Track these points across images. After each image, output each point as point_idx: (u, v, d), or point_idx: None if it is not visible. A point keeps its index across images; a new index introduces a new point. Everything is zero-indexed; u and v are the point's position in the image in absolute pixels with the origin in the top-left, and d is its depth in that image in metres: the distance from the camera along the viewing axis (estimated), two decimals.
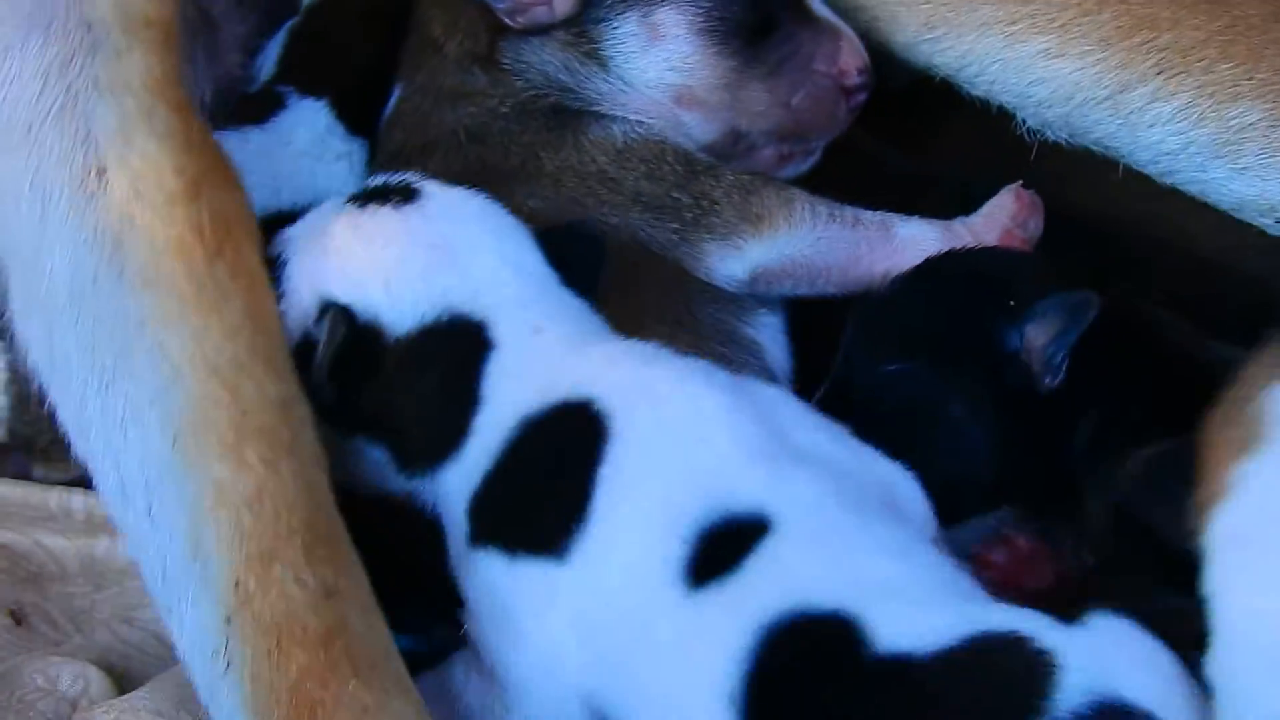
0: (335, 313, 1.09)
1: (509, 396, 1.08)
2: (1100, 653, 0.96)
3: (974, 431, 1.16)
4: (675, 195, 1.23)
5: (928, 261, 1.23)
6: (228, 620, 1.00)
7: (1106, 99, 1.24)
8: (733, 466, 1.04)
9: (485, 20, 1.28)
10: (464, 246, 1.13)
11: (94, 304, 1.07)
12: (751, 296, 1.26)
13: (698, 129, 1.27)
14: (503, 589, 1.04)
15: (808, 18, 1.28)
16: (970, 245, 1.25)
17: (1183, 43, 1.22)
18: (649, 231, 1.23)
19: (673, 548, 1.01)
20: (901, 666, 0.96)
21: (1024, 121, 1.27)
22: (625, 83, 1.27)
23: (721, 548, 1.01)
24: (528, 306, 1.11)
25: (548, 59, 1.27)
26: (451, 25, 1.30)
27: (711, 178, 1.24)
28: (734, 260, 1.24)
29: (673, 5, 1.26)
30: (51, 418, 1.17)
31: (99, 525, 1.25)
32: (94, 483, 1.09)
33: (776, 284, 1.26)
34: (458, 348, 1.10)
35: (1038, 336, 1.15)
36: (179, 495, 1.03)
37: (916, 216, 1.27)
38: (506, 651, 1.04)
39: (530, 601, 1.03)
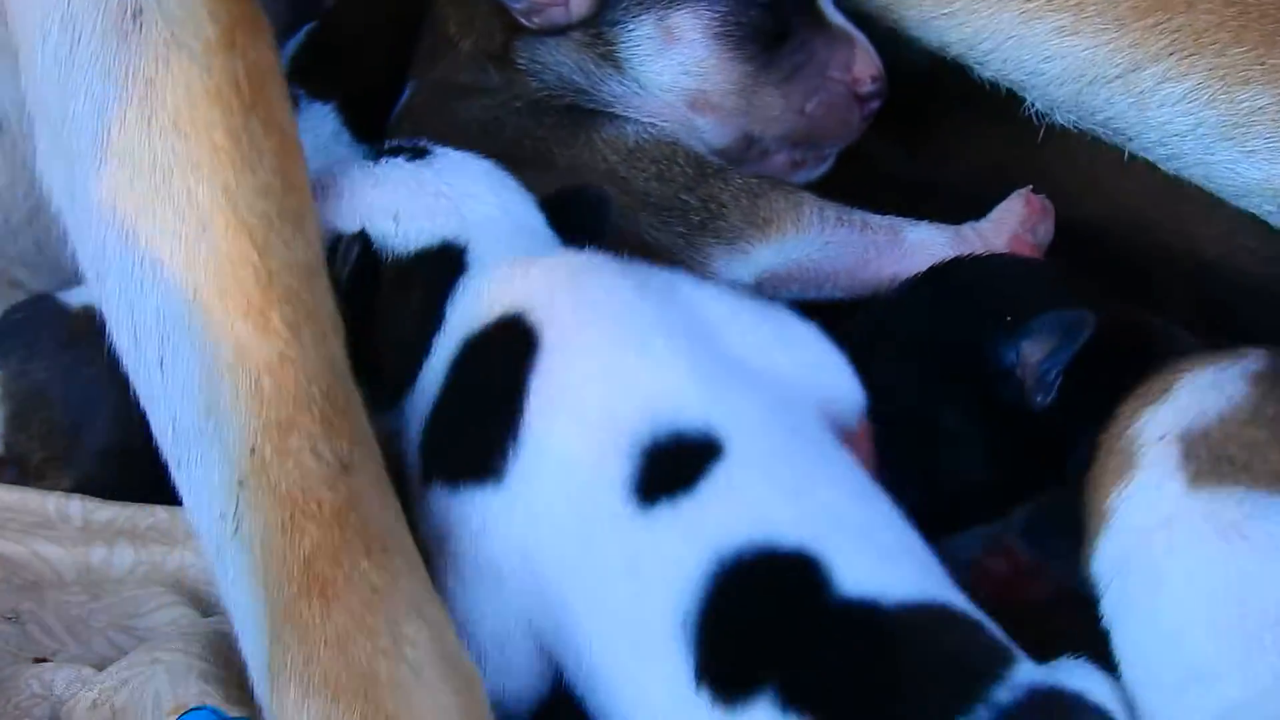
0: (353, 236, 1.11)
1: (461, 318, 1.09)
2: (1055, 669, 0.98)
3: (967, 441, 1.17)
4: (683, 197, 1.24)
5: (932, 269, 1.23)
6: (241, 484, 0.99)
7: (1118, 78, 1.26)
8: (672, 379, 1.04)
9: (501, 20, 1.28)
10: (466, 197, 1.15)
11: (120, 147, 1.05)
12: None
13: (711, 133, 1.28)
14: (449, 523, 1.04)
15: (822, 24, 1.29)
16: (977, 252, 1.26)
17: (1196, 25, 1.24)
18: (655, 234, 1.23)
19: (616, 463, 1.01)
20: (868, 613, 0.96)
21: (1033, 103, 1.29)
22: (640, 85, 1.27)
23: (671, 466, 1.01)
24: (514, 247, 1.13)
25: (562, 60, 1.27)
26: (467, 24, 1.30)
27: (720, 181, 1.24)
28: (740, 264, 1.24)
29: (689, 9, 1.26)
30: (45, 435, 1.19)
31: (96, 533, 1.22)
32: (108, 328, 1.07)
33: (783, 287, 1.26)
34: (438, 273, 1.11)
35: (1032, 353, 1.15)
36: (196, 350, 1.01)
37: (926, 221, 1.28)
38: (452, 586, 1.04)
39: (470, 529, 1.03)
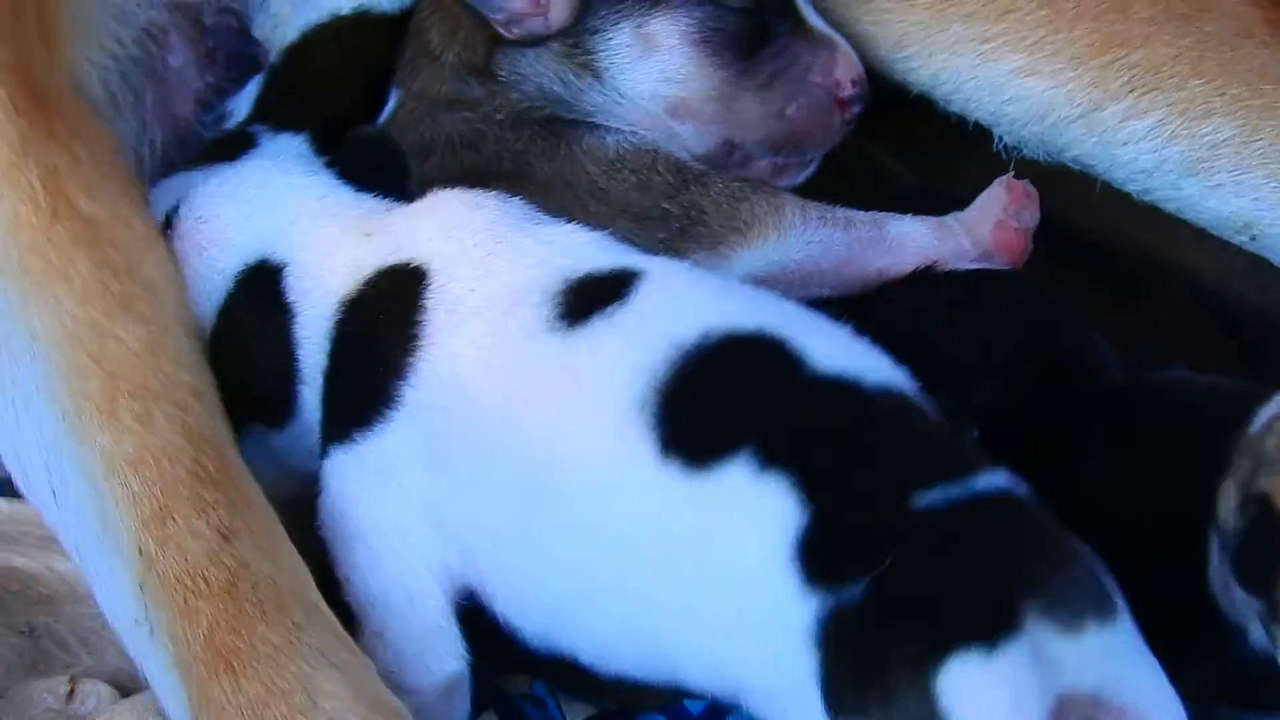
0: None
1: (315, 297, 1.12)
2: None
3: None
4: (664, 206, 1.23)
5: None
6: (141, 587, 1.00)
7: (1080, 117, 1.24)
8: (569, 240, 1.11)
9: (483, 32, 1.28)
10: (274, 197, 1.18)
11: None
12: None
13: (692, 140, 1.27)
14: (350, 489, 1.06)
15: (803, 29, 1.27)
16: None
17: (1154, 60, 1.21)
18: (635, 242, 1.22)
19: (532, 311, 1.05)
20: (845, 386, 0.98)
21: (1001, 138, 1.27)
22: (620, 94, 1.27)
23: (594, 291, 1.05)
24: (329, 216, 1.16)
25: (543, 70, 1.27)
26: (449, 35, 1.30)
27: (700, 187, 1.23)
28: (722, 270, 1.22)
29: (667, 16, 1.25)
30: None
31: None
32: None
33: (770, 288, 1.23)
34: (259, 282, 1.14)
35: None
36: (77, 472, 1.03)
37: (910, 215, 1.25)
38: (360, 560, 1.05)
39: (375, 472, 1.05)
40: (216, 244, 1.15)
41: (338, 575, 1.07)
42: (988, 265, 1.21)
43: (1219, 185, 1.21)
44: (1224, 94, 1.20)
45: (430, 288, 1.08)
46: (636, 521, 0.98)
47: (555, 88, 1.27)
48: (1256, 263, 1.25)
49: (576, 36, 1.27)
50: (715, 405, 0.99)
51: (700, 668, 0.99)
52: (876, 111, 1.29)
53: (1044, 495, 0.98)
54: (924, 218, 1.24)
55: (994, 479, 0.95)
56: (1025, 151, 1.28)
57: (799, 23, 1.27)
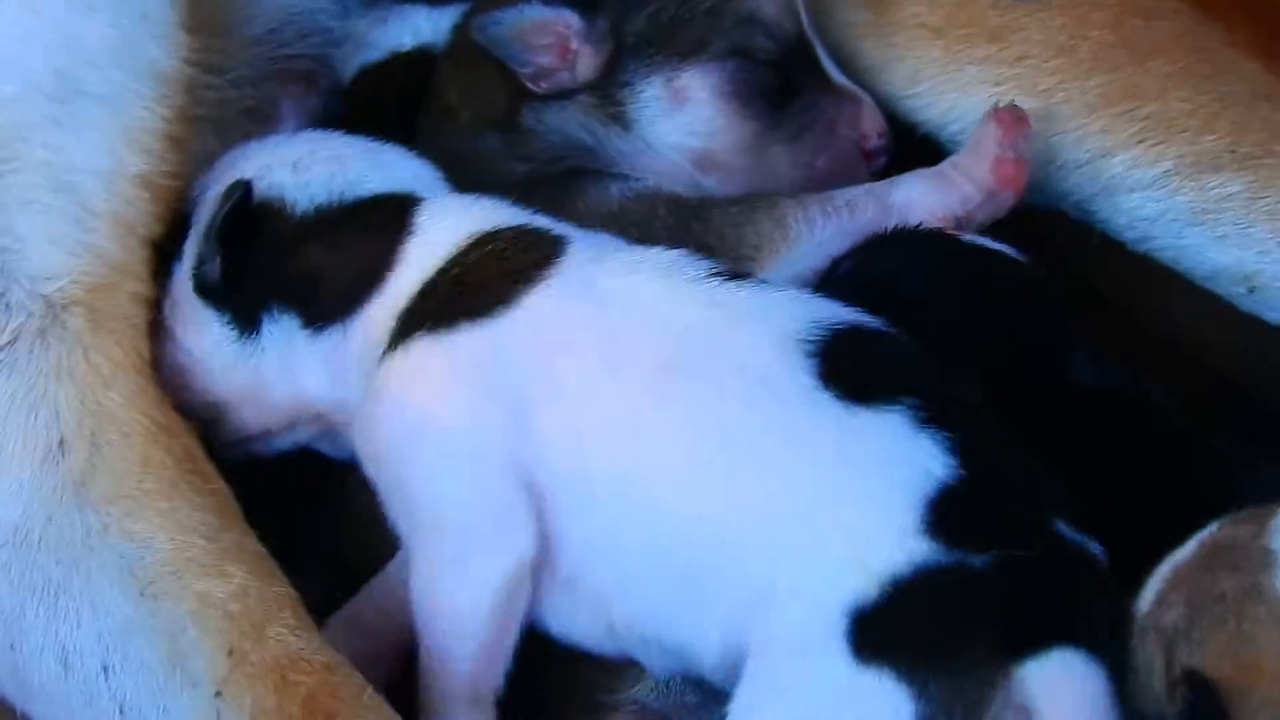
0: (234, 183, 1.14)
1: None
2: None
3: None
4: None
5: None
6: (218, 694, 1.02)
7: (1087, 163, 1.25)
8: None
9: (507, 86, 1.27)
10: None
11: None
12: None
13: (717, 191, 1.26)
14: (422, 376, 1.08)
15: (827, 83, 1.28)
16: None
17: (1167, 113, 1.23)
18: None
19: None
20: None
21: None
22: (646, 144, 1.26)
23: None
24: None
25: (569, 119, 1.26)
26: (469, 91, 1.29)
27: (701, 222, 1.22)
28: None
29: (697, 69, 1.25)
30: None
31: None
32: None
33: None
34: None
35: None
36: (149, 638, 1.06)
37: (906, 174, 1.24)
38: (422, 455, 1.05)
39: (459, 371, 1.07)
40: None
41: (390, 486, 1.08)
42: (994, 204, 1.20)
43: (1223, 236, 1.23)
44: (1235, 150, 1.21)
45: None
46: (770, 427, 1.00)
47: (582, 136, 1.26)
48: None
49: (605, 89, 1.26)
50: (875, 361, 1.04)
51: (730, 600, 0.99)
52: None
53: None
54: (922, 172, 1.23)
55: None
56: (1026, 197, 1.28)
57: (823, 77, 1.28)
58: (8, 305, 1.09)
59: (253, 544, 1.08)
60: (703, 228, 1.21)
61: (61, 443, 1.08)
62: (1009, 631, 0.92)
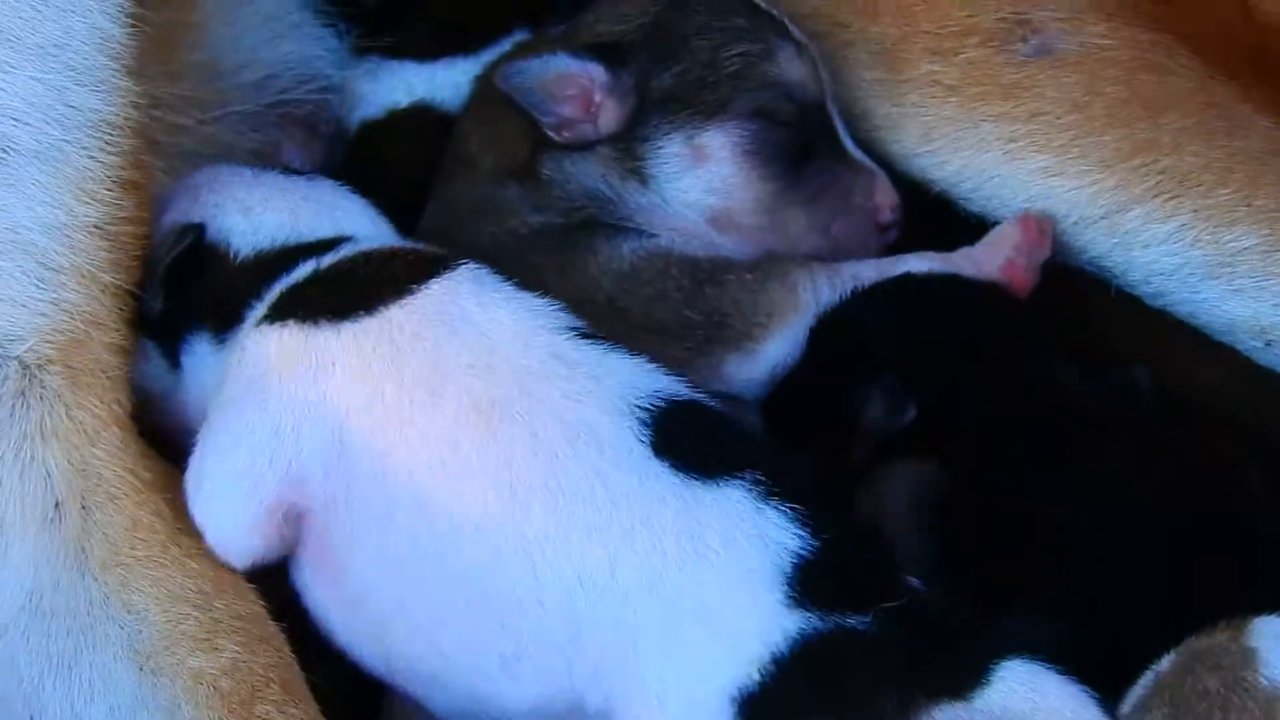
0: (187, 227, 1.18)
1: None
2: None
3: None
4: (686, 314, 1.22)
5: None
6: None
7: (1102, 218, 1.25)
8: None
9: (528, 136, 1.28)
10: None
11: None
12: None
13: (733, 250, 1.27)
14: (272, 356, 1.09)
15: (842, 153, 1.29)
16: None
17: (1182, 168, 1.23)
18: (658, 355, 1.19)
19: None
20: None
21: None
22: (664, 199, 1.27)
23: None
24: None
25: (588, 171, 1.27)
26: (489, 140, 1.30)
27: (716, 286, 1.23)
28: (750, 365, 1.22)
29: (719, 129, 1.26)
30: None
31: None
32: None
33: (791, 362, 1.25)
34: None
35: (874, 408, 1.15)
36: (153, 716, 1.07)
37: (916, 252, 1.26)
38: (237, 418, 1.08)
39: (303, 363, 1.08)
40: None
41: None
42: None
43: (1239, 289, 1.23)
44: (1250, 204, 1.22)
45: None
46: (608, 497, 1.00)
47: (599, 187, 1.27)
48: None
49: (626, 143, 1.27)
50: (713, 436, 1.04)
51: (540, 666, 1.00)
52: None
53: (978, 490, 1.07)
54: (931, 255, 1.25)
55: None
56: None
57: (840, 148, 1.29)
58: None
59: (246, 604, 1.09)
60: (717, 292, 1.23)
61: (58, 505, 1.09)
62: (918, 679, 0.94)
